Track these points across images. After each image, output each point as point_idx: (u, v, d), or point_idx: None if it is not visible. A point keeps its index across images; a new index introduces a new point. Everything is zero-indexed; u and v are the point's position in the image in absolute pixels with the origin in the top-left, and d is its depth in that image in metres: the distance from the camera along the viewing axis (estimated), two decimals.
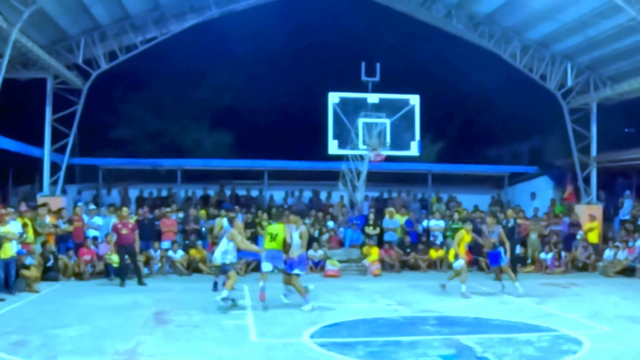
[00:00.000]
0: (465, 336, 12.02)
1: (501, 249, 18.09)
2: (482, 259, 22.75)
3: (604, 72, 26.11)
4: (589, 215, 25.79)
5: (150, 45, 24.50)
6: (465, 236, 17.79)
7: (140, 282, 19.14)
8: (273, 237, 15.34)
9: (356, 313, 14.65)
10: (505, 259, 18.11)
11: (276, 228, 15.47)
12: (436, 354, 10.76)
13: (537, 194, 28.68)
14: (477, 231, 19.20)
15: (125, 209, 20.41)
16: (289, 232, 15.33)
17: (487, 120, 37.64)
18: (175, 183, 28.61)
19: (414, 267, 23.44)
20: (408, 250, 23.85)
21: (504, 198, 30.33)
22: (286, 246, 15.26)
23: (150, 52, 24.90)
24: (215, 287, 17.28)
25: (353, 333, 12.52)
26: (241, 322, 13.35)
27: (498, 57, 26.02)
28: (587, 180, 27.34)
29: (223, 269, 15.45)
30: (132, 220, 20.14)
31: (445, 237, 24.54)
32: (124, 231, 19.17)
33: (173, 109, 38.08)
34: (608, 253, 23.64)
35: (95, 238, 21.80)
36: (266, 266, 15.33)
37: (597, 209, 26.29)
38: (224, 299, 14.81)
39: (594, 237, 24.89)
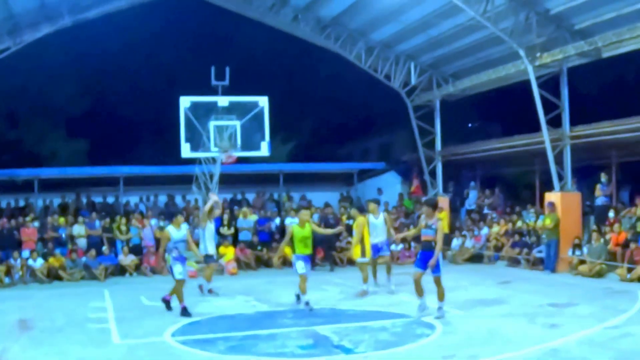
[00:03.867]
0: (322, 326, 12.40)
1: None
2: (336, 253, 23.29)
3: (446, 70, 27.21)
4: None
5: (4, 56, 23.63)
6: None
7: None
8: (304, 241, 14.77)
9: (215, 310, 14.86)
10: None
11: (308, 231, 14.83)
12: (295, 345, 11.07)
13: (385, 189, 29.45)
14: (328, 225, 19.56)
15: None
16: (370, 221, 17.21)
17: (337, 119, 38.55)
18: (33, 192, 27.79)
19: (269, 265, 23.69)
20: (259, 248, 24.35)
21: (354, 194, 30.97)
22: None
23: (3, 62, 24.08)
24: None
25: (213, 329, 12.66)
26: (104, 326, 13.31)
27: (346, 58, 26.68)
28: (433, 174, 28.44)
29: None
30: None
31: None
32: None
33: (29, 118, 37.18)
34: (456, 242, 24.85)
35: None
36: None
37: (444, 201, 27.19)
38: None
39: (442, 227, 25.84)
